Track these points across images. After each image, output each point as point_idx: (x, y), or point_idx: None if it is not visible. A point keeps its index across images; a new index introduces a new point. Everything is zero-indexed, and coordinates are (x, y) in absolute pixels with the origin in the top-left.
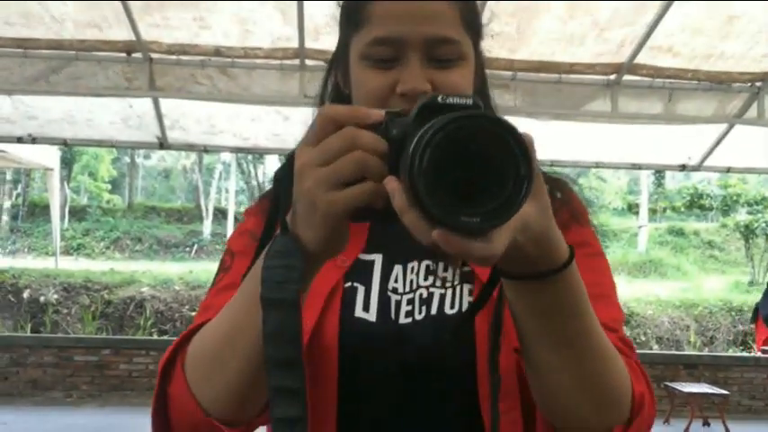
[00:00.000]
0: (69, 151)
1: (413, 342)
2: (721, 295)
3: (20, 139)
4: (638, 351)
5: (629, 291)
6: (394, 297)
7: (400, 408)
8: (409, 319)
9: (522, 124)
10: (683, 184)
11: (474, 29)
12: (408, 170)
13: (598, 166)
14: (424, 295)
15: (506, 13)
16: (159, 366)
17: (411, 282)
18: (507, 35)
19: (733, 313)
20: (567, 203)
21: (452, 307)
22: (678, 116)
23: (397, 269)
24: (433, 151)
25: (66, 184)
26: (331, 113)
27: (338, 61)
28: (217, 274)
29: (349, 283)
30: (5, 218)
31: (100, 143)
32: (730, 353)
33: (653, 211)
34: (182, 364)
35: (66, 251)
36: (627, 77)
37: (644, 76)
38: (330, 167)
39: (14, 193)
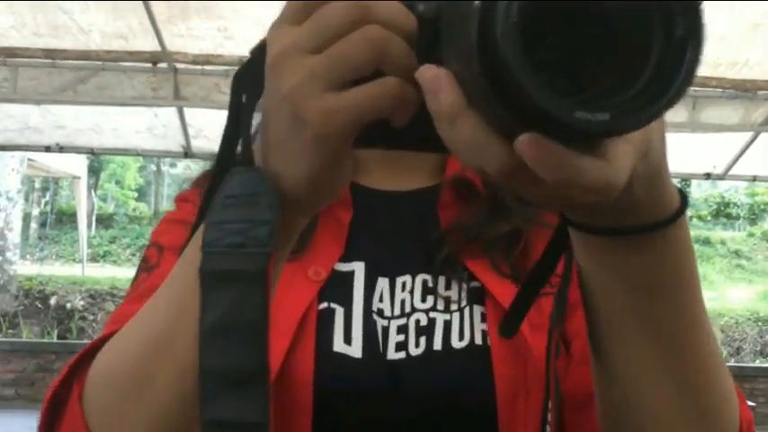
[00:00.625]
0: (96, 159)
1: (409, 386)
2: (748, 305)
3: (48, 148)
4: None
5: None
6: (381, 323)
7: None
8: (401, 354)
9: None
10: (710, 192)
11: None
12: (477, 40)
13: None
14: (423, 322)
15: None
16: (44, 401)
17: (402, 302)
18: None
19: (760, 323)
20: None
21: (461, 338)
22: (703, 124)
23: (383, 284)
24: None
25: (93, 191)
26: None
27: None
28: (136, 276)
29: (325, 304)
30: (34, 225)
31: (126, 152)
32: (757, 363)
33: None
34: (79, 394)
35: (93, 258)
36: None
37: None
38: (327, 53)
39: (42, 200)
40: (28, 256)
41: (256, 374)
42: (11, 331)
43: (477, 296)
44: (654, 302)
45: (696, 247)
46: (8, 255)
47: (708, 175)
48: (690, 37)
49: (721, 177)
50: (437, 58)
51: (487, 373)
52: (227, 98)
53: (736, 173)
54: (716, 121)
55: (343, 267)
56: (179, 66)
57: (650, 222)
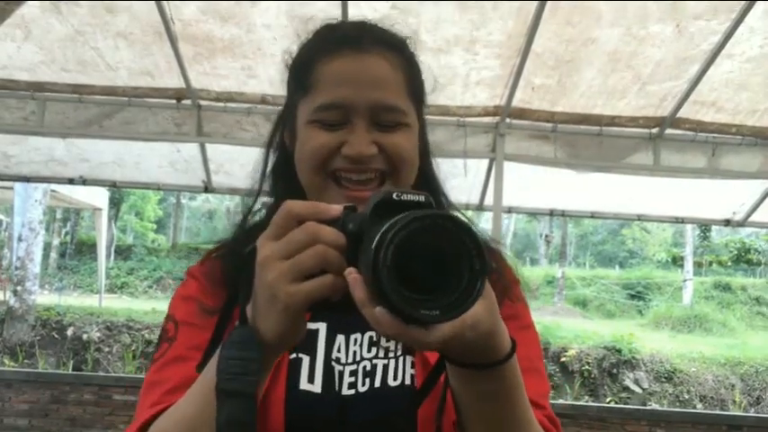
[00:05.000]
0: (118, 191)
1: (356, 414)
2: None
3: (71, 181)
4: (681, 410)
5: (673, 346)
6: (337, 367)
7: None
8: (352, 391)
9: (562, 175)
10: (730, 237)
11: (418, 96)
12: (372, 266)
13: (640, 218)
14: (368, 367)
15: (548, 66)
16: None
17: (354, 353)
18: (548, 87)
19: None
20: (501, 275)
21: (395, 378)
22: (722, 171)
23: (340, 339)
24: (397, 249)
25: (113, 223)
26: (294, 209)
27: (285, 120)
28: (159, 344)
29: (294, 354)
30: (54, 255)
31: (147, 185)
32: None
33: (698, 265)
34: None
35: (111, 289)
36: (669, 131)
37: (687, 130)
38: (292, 260)
39: (63, 231)
40: (47, 286)
41: None
42: (27, 361)
43: (410, 348)
44: (490, 407)
45: (716, 292)
46: (28, 285)
47: (727, 222)
48: (481, 271)
49: (741, 224)
50: (356, 263)
51: (412, 403)
52: (248, 134)
53: (756, 220)
54: (736, 167)
55: (311, 326)
56: (203, 103)
57: (487, 362)
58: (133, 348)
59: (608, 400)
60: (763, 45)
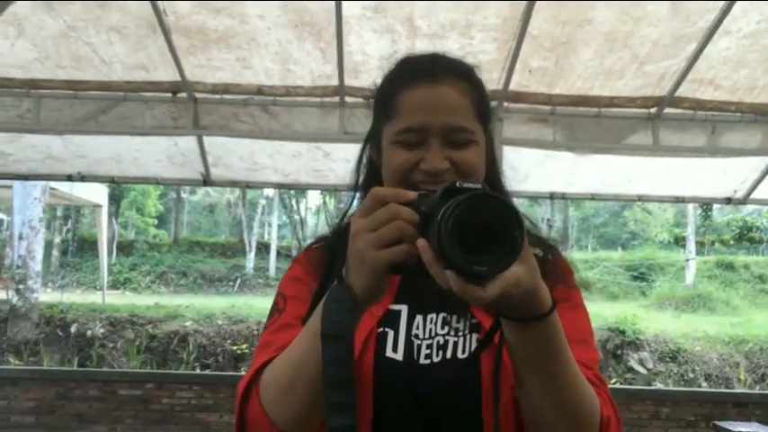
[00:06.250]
0: (117, 187)
1: (430, 379)
2: None
3: (70, 177)
4: (686, 389)
5: (676, 326)
6: (416, 342)
7: (419, 429)
8: (428, 361)
9: (561, 158)
10: (732, 216)
11: (484, 117)
12: (437, 233)
13: (641, 199)
14: (441, 342)
15: (544, 48)
16: (238, 394)
17: (430, 330)
18: (545, 70)
19: None
20: (556, 266)
21: (463, 352)
22: (722, 149)
23: (419, 318)
24: (455, 220)
25: (114, 219)
26: (380, 192)
27: (372, 140)
28: (271, 314)
29: (381, 329)
30: (55, 253)
31: (146, 180)
32: None
33: (701, 244)
34: (257, 391)
35: (113, 285)
36: (668, 110)
37: (686, 109)
38: (377, 232)
39: (64, 228)
40: (49, 284)
41: (349, 381)
42: (32, 359)
43: (476, 328)
44: (538, 355)
45: (719, 271)
46: (30, 283)
47: (729, 200)
48: (519, 237)
49: (742, 202)
50: (427, 235)
51: (478, 372)
52: (245, 126)
53: (757, 197)
54: (736, 145)
55: (395, 307)
56: (198, 95)
57: (531, 316)
58: (137, 343)
59: (613, 381)
60: (760, 21)
